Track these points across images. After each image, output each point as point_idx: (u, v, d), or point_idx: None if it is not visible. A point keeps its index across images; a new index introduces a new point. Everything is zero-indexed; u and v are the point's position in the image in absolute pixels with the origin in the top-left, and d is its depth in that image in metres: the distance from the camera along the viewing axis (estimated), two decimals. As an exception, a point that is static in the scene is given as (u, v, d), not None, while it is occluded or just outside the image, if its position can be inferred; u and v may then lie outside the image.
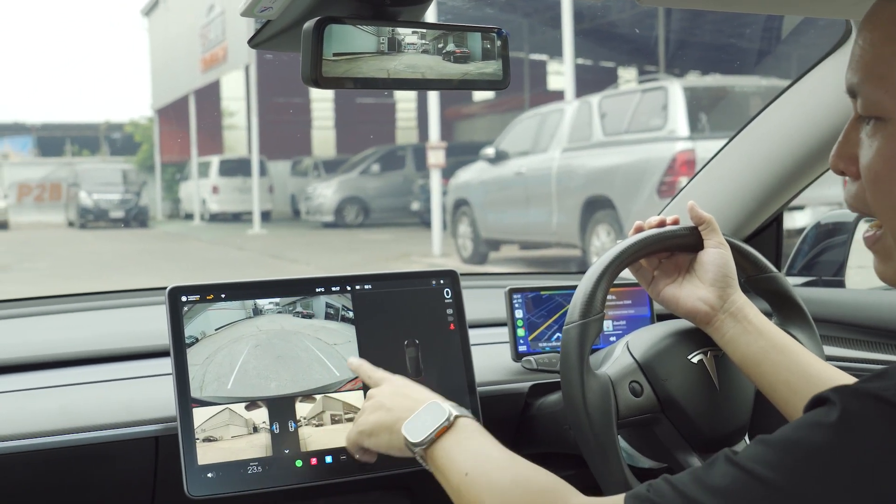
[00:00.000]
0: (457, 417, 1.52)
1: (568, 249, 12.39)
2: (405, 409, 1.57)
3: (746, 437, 1.81)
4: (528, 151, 12.80)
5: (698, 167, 10.24)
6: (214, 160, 25.49)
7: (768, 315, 1.75)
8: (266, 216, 23.66)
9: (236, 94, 28.42)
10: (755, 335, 1.60)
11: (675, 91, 10.77)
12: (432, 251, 15.18)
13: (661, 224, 1.72)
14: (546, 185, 12.09)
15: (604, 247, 10.85)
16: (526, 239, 13.33)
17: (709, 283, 1.65)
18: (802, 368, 1.55)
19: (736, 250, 1.76)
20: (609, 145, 11.38)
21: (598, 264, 1.68)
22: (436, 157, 15.03)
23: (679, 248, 1.71)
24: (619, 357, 1.76)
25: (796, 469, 1.02)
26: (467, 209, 13.79)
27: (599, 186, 11.18)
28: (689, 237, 1.70)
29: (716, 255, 1.67)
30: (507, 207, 12.97)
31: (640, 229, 1.72)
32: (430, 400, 1.57)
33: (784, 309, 1.83)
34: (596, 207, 11.18)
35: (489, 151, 13.44)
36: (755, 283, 1.81)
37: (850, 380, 1.48)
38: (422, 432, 1.51)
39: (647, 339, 1.77)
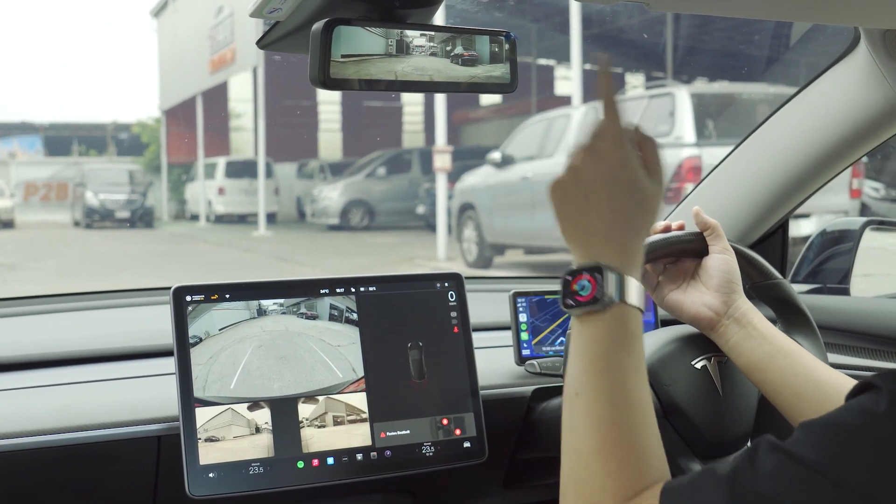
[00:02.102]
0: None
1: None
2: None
3: (749, 443, 1.81)
4: (534, 156, 12.78)
5: (705, 174, 10.27)
6: (221, 161, 25.49)
7: (773, 322, 1.75)
8: (271, 218, 23.66)
9: (244, 96, 28.43)
10: (760, 340, 1.59)
11: (683, 97, 10.76)
12: (437, 255, 15.17)
13: (667, 229, 1.72)
14: (552, 190, 12.03)
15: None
16: (531, 244, 13.31)
17: (713, 289, 1.65)
18: (808, 373, 1.54)
19: (741, 256, 1.75)
20: (615, 150, 11.32)
21: None
22: (442, 161, 15.02)
23: (684, 253, 1.70)
24: None
25: (844, 453, 1.01)
26: (473, 213, 13.78)
27: (606, 192, 11.11)
28: (694, 243, 1.70)
29: (721, 261, 1.66)
30: (513, 212, 12.96)
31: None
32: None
33: (789, 316, 1.83)
34: (601, 213, 11.12)
35: (495, 156, 13.43)
36: (760, 289, 1.81)
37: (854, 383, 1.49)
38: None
39: (650, 344, 1.76)
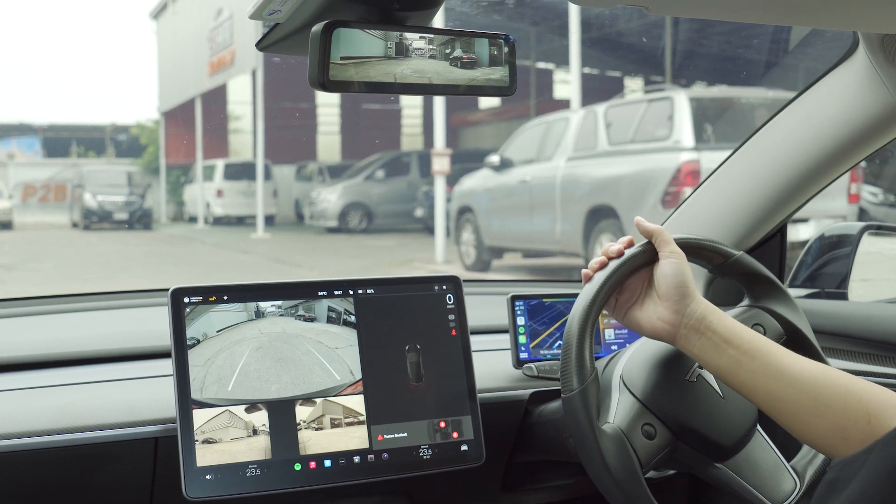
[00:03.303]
0: None
1: (571, 258, 12.37)
2: None
3: (759, 429, 1.81)
4: (532, 159, 12.78)
5: (703, 178, 10.26)
6: (219, 164, 25.50)
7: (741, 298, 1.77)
8: (270, 220, 23.65)
9: (243, 98, 28.43)
10: (723, 346, 1.55)
11: (682, 101, 10.75)
12: (435, 258, 15.17)
13: (620, 253, 1.68)
14: (550, 193, 12.07)
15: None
16: (529, 247, 13.30)
17: (664, 298, 1.61)
18: (780, 371, 1.50)
19: (696, 246, 1.75)
20: (614, 155, 11.36)
21: (575, 323, 1.65)
22: (440, 164, 15.02)
23: (639, 267, 1.67)
24: (620, 399, 1.72)
25: None
26: (471, 216, 13.77)
27: (604, 196, 11.16)
28: (645, 254, 1.67)
29: (666, 267, 1.63)
30: (511, 215, 12.95)
31: (603, 264, 1.68)
32: None
33: (756, 286, 1.83)
34: (600, 217, 11.16)
35: (494, 159, 13.42)
36: (722, 269, 1.80)
37: (831, 373, 1.48)
38: None
39: (640, 370, 1.74)
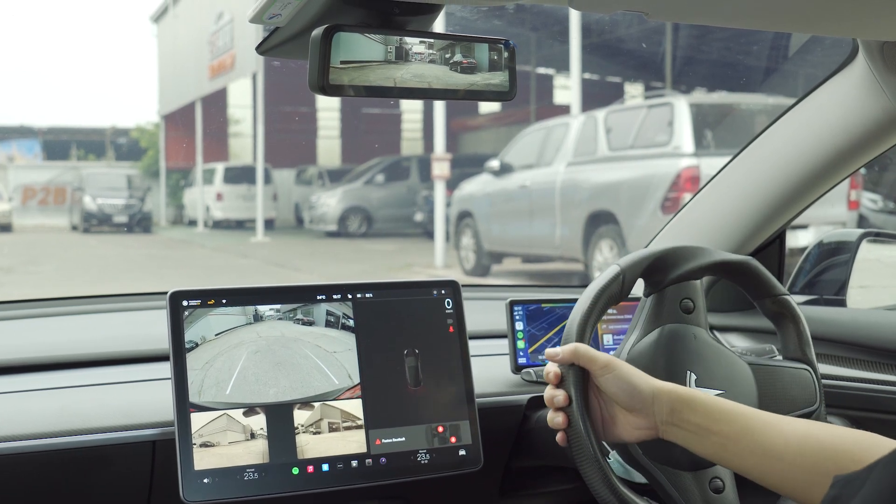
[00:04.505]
0: None
1: (571, 264, 12.37)
2: None
3: None
4: (532, 165, 12.78)
5: (703, 183, 10.27)
6: (219, 167, 25.48)
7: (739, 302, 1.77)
8: (269, 224, 23.63)
9: (243, 102, 28.42)
10: (702, 434, 1.50)
11: (682, 107, 10.76)
12: (435, 262, 15.17)
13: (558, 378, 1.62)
14: (550, 198, 12.07)
15: (606, 262, 10.85)
16: (529, 252, 13.30)
17: (627, 409, 1.57)
18: (766, 449, 1.46)
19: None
20: (614, 160, 11.36)
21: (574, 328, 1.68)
22: (440, 169, 15.01)
23: (585, 384, 1.62)
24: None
25: None
26: (471, 221, 13.77)
27: (603, 201, 11.16)
28: (580, 377, 1.61)
29: (608, 385, 1.57)
30: (511, 220, 12.95)
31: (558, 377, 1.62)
32: None
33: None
34: (599, 222, 11.17)
35: (494, 164, 13.42)
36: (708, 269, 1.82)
37: (815, 433, 1.44)
38: None
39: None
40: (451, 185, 15.31)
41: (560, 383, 1.60)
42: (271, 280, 14.03)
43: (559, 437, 1.61)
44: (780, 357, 1.90)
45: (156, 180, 28.60)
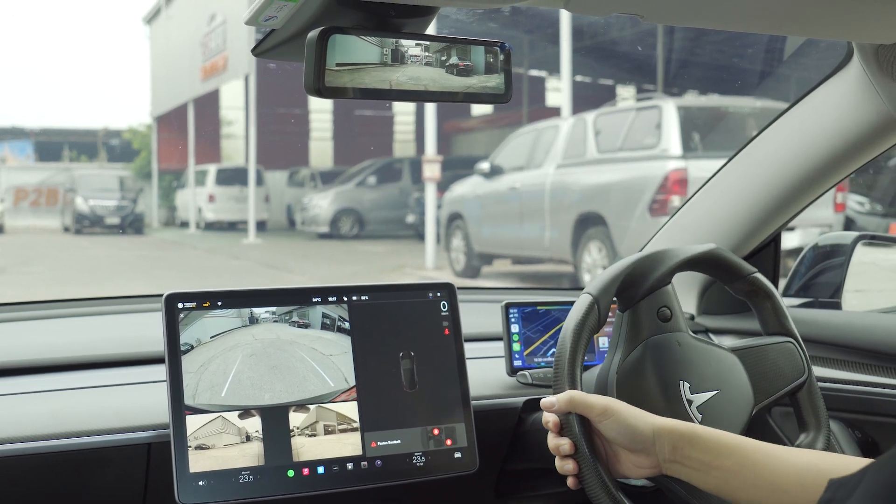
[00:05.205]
0: None
1: (561, 265, 12.39)
2: None
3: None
4: (522, 167, 12.80)
5: (690, 186, 10.20)
6: (212, 169, 25.45)
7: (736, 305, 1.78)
8: (262, 226, 23.61)
9: (235, 104, 28.39)
10: (704, 469, 1.49)
11: (670, 110, 10.78)
12: (426, 264, 15.18)
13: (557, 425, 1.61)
14: (540, 200, 12.09)
15: (595, 263, 10.90)
16: (519, 254, 13.32)
17: (629, 450, 1.56)
18: (768, 482, 1.44)
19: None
20: (603, 162, 11.39)
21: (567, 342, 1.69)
22: (431, 171, 15.01)
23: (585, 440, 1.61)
24: None
25: None
26: (461, 223, 13.79)
27: (592, 203, 11.19)
28: (581, 425, 1.60)
29: (607, 430, 1.57)
30: (501, 222, 12.97)
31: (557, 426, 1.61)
32: None
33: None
34: (588, 224, 11.19)
35: (484, 166, 13.45)
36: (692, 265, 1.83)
37: (815, 462, 1.43)
38: None
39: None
40: (443, 186, 15.31)
41: (562, 431, 1.60)
42: (264, 281, 14.04)
43: (571, 482, 1.61)
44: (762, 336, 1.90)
45: (148, 182, 28.59)
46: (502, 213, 12.93)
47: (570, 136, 12.16)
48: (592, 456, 1.57)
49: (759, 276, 1.87)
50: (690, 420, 1.72)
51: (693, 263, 1.83)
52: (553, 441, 1.61)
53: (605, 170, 11.23)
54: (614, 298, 1.77)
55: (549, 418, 1.61)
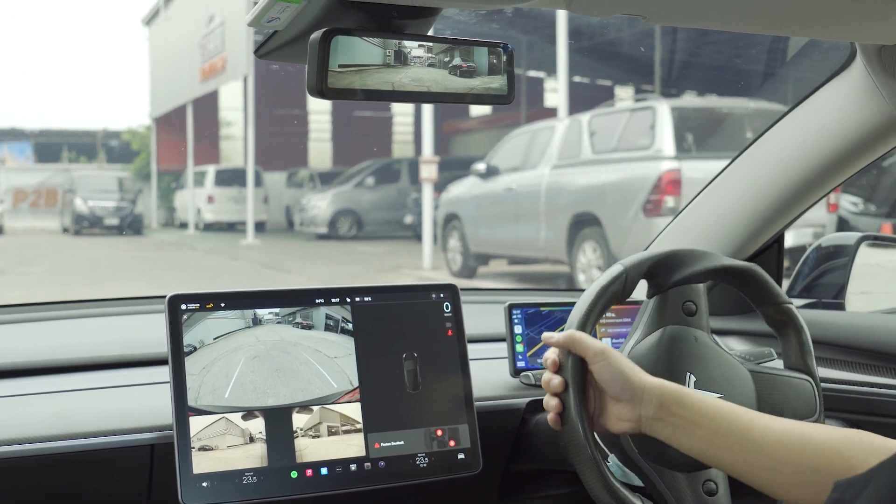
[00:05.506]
0: None
1: (556, 266, 12.41)
2: None
3: None
4: (518, 167, 12.84)
5: (684, 186, 10.21)
6: (210, 170, 25.44)
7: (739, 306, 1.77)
8: (260, 227, 23.60)
9: (234, 105, 28.39)
10: (689, 428, 1.50)
11: (663, 111, 10.81)
12: (423, 264, 15.19)
13: (555, 366, 1.62)
14: (535, 201, 12.12)
15: (590, 263, 10.93)
16: (515, 254, 13.35)
17: (616, 399, 1.57)
18: (753, 445, 1.45)
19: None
20: (597, 163, 11.43)
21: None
22: (428, 172, 15.02)
23: (583, 375, 1.61)
24: None
25: None
26: (458, 223, 13.81)
27: (587, 204, 11.23)
28: (576, 366, 1.61)
29: (601, 372, 1.57)
30: (497, 222, 13.00)
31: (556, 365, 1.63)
32: None
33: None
34: (583, 224, 11.22)
35: (480, 167, 13.48)
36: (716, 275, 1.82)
37: (804, 431, 1.44)
38: None
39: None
40: (441, 187, 15.32)
41: (558, 370, 1.61)
42: (262, 282, 14.05)
43: (551, 417, 1.62)
44: (779, 364, 1.90)
45: (147, 183, 28.58)
46: (498, 213, 12.96)
47: (566, 136, 12.20)
48: (578, 397, 1.58)
49: (792, 307, 1.85)
50: None
51: (729, 274, 1.82)
52: (546, 376, 1.62)
53: (600, 170, 11.27)
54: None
55: (548, 355, 1.63)
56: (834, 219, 10.65)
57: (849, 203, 11.61)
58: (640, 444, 1.71)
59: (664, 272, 1.79)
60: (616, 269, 1.74)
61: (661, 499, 1.71)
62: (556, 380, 1.60)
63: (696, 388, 1.74)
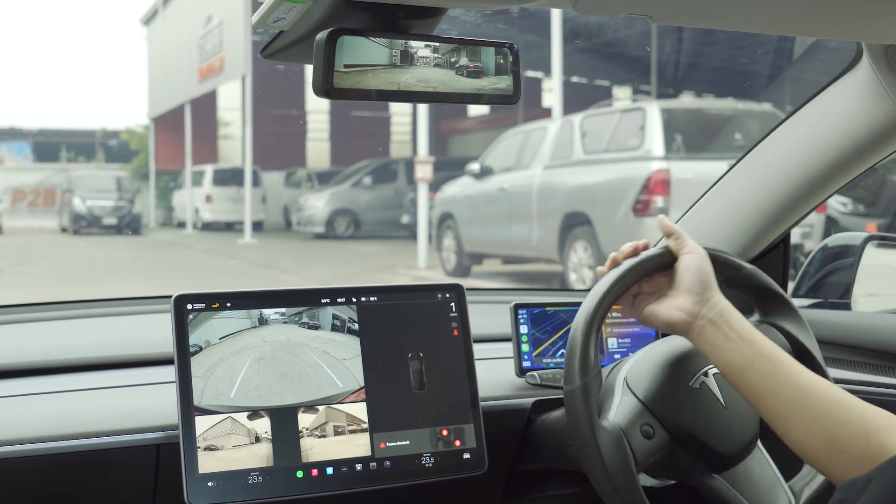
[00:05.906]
0: None
1: (550, 265, 12.45)
2: None
3: (760, 444, 1.81)
4: (511, 167, 12.90)
5: (673, 187, 10.26)
6: (208, 169, 25.47)
7: (751, 312, 1.76)
8: (258, 226, 23.63)
9: (232, 105, 28.40)
10: (738, 342, 1.53)
11: (653, 112, 10.88)
12: (418, 263, 15.21)
13: (635, 250, 1.68)
14: (527, 201, 12.20)
15: (581, 263, 10.97)
16: (508, 253, 13.42)
17: (685, 290, 1.60)
18: (791, 380, 1.48)
19: (710, 257, 1.75)
20: (588, 164, 11.51)
21: (583, 315, 1.64)
22: (423, 172, 15.04)
23: (657, 269, 1.66)
24: (622, 400, 1.70)
25: None
26: (452, 223, 13.87)
27: (578, 204, 11.30)
28: (664, 256, 1.66)
29: (689, 261, 1.62)
30: (491, 222, 13.08)
31: (615, 261, 1.67)
32: None
33: (767, 301, 1.82)
34: (574, 224, 11.29)
35: (474, 167, 13.55)
36: (732, 282, 1.78)
37: (835, 389, 1.47)
38: None
39: (644, 373, 1.73)
40: (437, 187, 15.35)
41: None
42: (259, 282, 14.05)
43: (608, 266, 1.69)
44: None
45: (145, 182, 28.62)
46: (491, 213, 13.05)
47: (558, 137, 12.28)
48: (621, 281, 1.64)
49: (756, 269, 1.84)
50: (690, 393, 1.71)
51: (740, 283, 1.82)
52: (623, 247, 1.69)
53: (591, 171, 11.37)
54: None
55: (640, 242, 1.70)
56: (822, 219, 10.69)
57: (837, 203, 11.64)
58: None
59: None
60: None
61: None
62: (629, 250, 1.68)
63: (714, 379, 1.73)
